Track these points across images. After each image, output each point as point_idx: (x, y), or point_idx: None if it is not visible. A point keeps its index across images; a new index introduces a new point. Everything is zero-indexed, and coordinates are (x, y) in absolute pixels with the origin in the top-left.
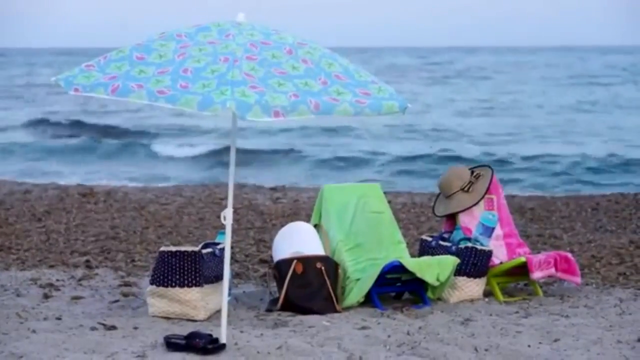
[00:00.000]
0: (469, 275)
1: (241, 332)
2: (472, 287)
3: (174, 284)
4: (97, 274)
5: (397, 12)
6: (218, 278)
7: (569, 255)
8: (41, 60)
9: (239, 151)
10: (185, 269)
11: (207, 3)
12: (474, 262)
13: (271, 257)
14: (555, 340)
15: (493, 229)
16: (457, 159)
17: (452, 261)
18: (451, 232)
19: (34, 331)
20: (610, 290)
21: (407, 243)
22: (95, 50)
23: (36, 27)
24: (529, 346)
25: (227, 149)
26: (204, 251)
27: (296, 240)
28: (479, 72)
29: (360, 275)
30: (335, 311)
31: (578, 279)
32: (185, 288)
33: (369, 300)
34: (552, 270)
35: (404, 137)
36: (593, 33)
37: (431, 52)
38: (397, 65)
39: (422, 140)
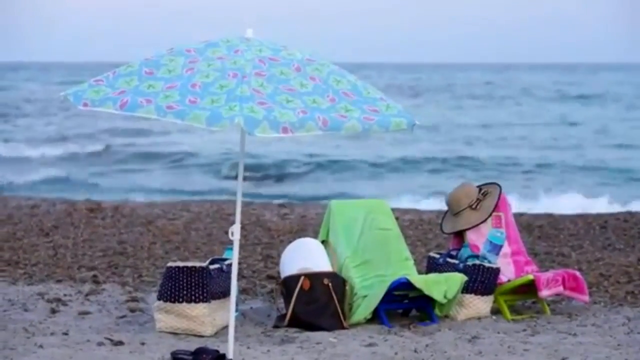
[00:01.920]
0: (477, 292)
1: (248, 348)
2: (480, 304)
3: (181, 300)
4: (104, 289)
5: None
6: (225, 294)
7: (577, 273)
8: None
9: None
10: (192, 285)
11: (214, 18)
12: (481, 280)
13: (279, 273)
14: (563, 359)
15: (501, 246)
16: None
17: (459, 278)
18: (459, 250)
19: (41, 346)
20: (618, 309)
21: (415, 260)
22: (97, 65)
23: (39, 41)
24: None
25: None
26: (211, 267)
27: (304, 257)
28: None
29: (367, 292)
30: (343, 328)
31: (586, 297)
32: (193, 304)
33: (377, 317)
34: (560, 289)
35: None
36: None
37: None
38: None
39: None
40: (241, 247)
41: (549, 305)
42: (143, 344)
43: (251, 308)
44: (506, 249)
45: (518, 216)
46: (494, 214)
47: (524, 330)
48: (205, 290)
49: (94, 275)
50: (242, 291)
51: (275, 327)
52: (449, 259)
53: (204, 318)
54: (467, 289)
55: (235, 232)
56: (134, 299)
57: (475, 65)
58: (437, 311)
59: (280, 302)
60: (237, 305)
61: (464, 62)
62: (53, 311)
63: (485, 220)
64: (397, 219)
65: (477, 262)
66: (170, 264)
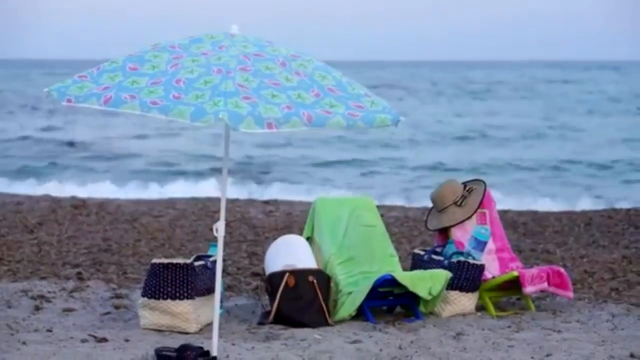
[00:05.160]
0: (462, 289)
1: (233, 345)
2: (465, 301)
3: (165, 297)
4: (88, 286)
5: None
6: (210, 291)
7: (562, 269)
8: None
9: None
10: (177, 282)
11: (199, 16)
12: (466, 276)
13: (263, 270)
14: (548, 355)
15: (486, 243)
16: None
17: (444, 275)
18: (444, 246)
19: (24, 343)
20: (602, 305)
21: (400, 257)
22: (83, 63)
23: (22, 38)
24: None
25: None
26: (196, 264)
27: (288, 254)
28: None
29: (352, 289)
30: (327, 325)
31: (570, 294)
32: (177, 300)
33: (361, 313)
34: (545, 285)
35: None
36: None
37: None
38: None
39: None
40: (226, 244)
41: (533, 301)
42: (127, 340)
43: (236, 305)
44: (491, 245)
45: (503, 213)
46: (479, 210)
47: (509, 326)
48: (189, 287)
49: (79, 272)
50: (226, 288)
51: (260, 323)
52: (433, 256)
53: (189, 315)
54: (451, 285)
55: (220, 229)
56: (119, 296)
57: (471, 62)
58: (421, 308)
59: (265, 299)
60: (221, 302)
61: (461, 59)
62: (37, 308)
63: (470, 217)
64: (382, 215)
65: (462, 258)
66: (154, 260)
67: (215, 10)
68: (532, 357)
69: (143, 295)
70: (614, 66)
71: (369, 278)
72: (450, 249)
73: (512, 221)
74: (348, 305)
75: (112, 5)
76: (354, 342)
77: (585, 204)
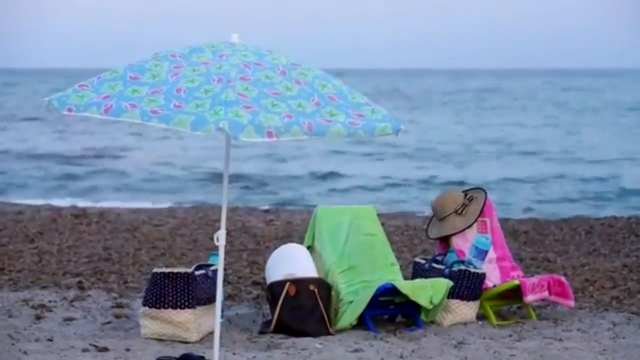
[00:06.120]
0: (463, 298)
1: (234, 354)
2: (466, 310)
3: (166, 306)
4: (89, 295)
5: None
6: (211, 300)
7: (563, 278)
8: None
9: None
10: (178, 291)
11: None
12: (467, 285)
13: (264, 279)
14: None
15: (486, 251)
16: None
17: (445, 284)
18: (444, 255)
19: (25, 352)
20: (603, 314)
21: (401, 266)
22: (87, 71)
23: (24, 47)
24: None
25: None
26: (196, 273)
27: (289, 263)
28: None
29: (353, 298)
30: (328, 333)
31: (571, 303)
32: (178, 309)
33: (362, 322)
34: (546, 294)
35: None
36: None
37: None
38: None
39: None
40: (227, 253)
41: (534, 310)
42: (128, 350)
43: (237, 314)
44: (492, 254)
45: (503, 221)
46: (480, 219)
47: (510, 335)
48: (190, 296)
49: (79, 282)
50: (227, 297)
51: (261, 333)
52: (434, 265)
53: (190, 324)
54: (452, 294)
55: (220, 238)
56: (119, 305)
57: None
58: (422, 317)
59: (266, 308)
60: (222, 311)
61: (454, 68)
62: (38, 317)
63: (470, 226)
64: (382, 224)
65: (463, 267)
66: (155, 269)
67: (219, 14)
68: None
69: (144, 305)
70: (617, 73)
71: (370, 287)
72: (451, 257)
73: (512, 230)
74: (349, 314)
75: (113, 13)
76: (355, 351)
77: (586, 212)
